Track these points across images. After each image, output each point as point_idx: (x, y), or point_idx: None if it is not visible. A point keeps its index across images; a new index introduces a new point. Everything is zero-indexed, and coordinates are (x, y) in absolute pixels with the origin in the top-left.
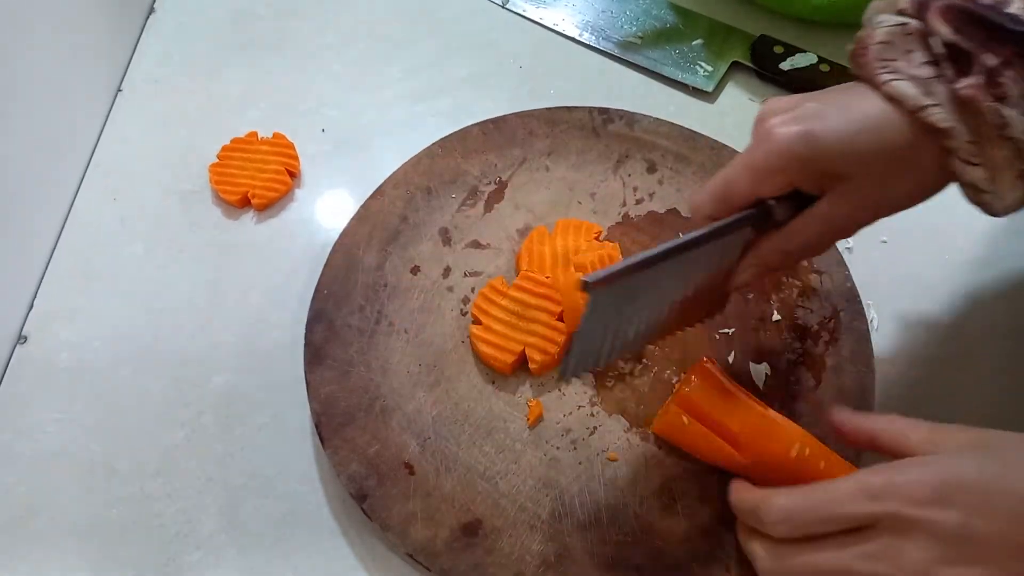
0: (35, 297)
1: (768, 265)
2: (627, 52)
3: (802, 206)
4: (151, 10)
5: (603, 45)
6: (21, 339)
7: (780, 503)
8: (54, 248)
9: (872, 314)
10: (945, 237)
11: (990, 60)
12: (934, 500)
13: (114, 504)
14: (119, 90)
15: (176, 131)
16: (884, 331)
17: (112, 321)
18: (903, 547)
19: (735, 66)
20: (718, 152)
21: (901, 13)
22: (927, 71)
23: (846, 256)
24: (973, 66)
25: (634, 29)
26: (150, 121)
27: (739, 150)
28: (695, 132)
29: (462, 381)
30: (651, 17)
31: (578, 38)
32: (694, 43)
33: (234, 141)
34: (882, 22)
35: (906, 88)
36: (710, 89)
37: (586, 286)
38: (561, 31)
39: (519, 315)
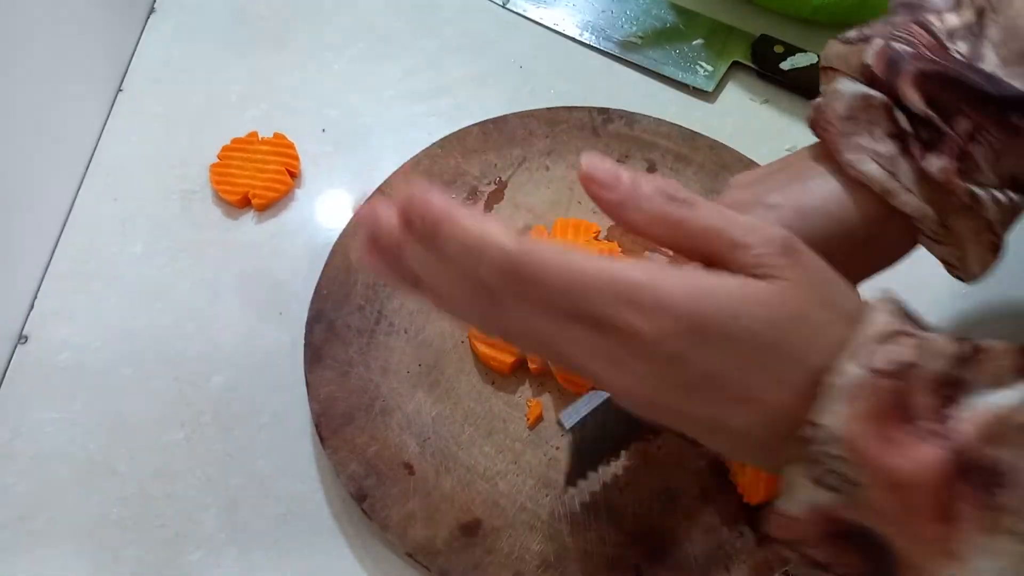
0: (35, 297)
1: None
2: (627, 52)
3: None
4: (151, 10)
5: (603, 45)
6: (21, 339)
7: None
8: (54, 248)
9: None
10: None
11: (962, 125)
12: (683, 332)
13: (114, 504)
14: (119, 90)
15: (176, 131)
16: None
17: (112, 321)
18: (629, 358)
19: (735, 66)
20: (718, 152)
21: (865, 74)
22: (890, 147)
23: None
24: (944, 142)
25: (634, 29)
26: (150, 121)
27: (739, 150)
28: (695, 132)
29: (462, 381)
30: (651, 17)
31: (578, 38)
32: (694, 43)
33: (234, 141)
34: (843, 91)
35: (873, 171)
36: (710, 89)
37: (565, 430)
38: (561, 31)
39: None
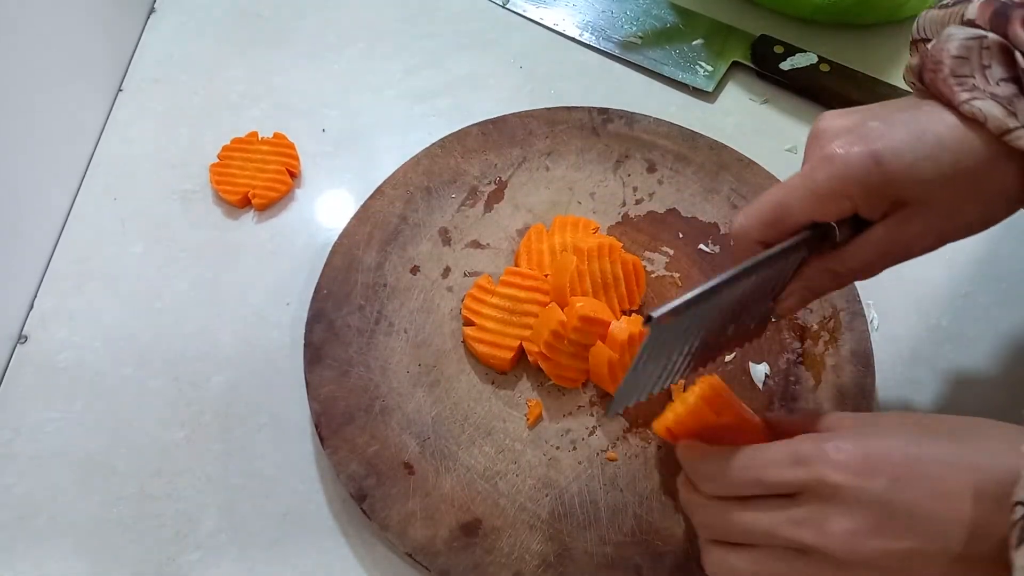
0: (35, 297)
1: (818, 289)
2: (627, 52)
3: (859, 227)
4: (152, 10)
5: (603, 45)
6: (21, 339)
7: (711, 461)
8: (54, 248)
9: (872, 314)
10: None
11: None
12: (861, 468)
13: (114, 504)
14: (119, 90)
15: (176, 131)
16: (884, 331)
17: (112, 321)
18: (829, 514)
19: (735, 66)
20: (718, 152)
21: (970, 24)
22: (1008, 89)
23: None
24: None
25: (634, 29)
26: (150, 121)
27: (739, 150)
28: (695, 132)
29: (461, 381)
30: (651, 17)
31: (578, 38)
32: (694, 43)
33: (235, 141)
34: (953, 35)
35: (990, 108)
36: (710, 89)
37: (650, 320)
38: (561, 31)
39: (511, 310)
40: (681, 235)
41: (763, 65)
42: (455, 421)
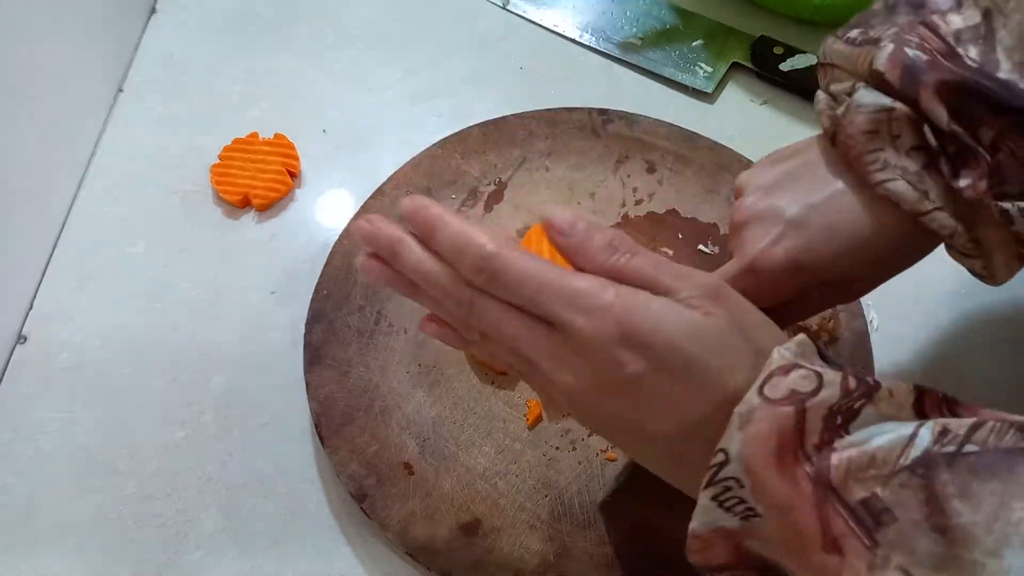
0: (35, 297)
1: None
2: (627, 53)
3: None
4: (152, 10)
5: (603, 46)
6: (21, 339)
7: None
8: (54, 248)
9: (872, 314)
10: None
11: (986, 136)
12: (625, 344)
13: (114, 504)
14: (119, 90)
15: (176, 131)
16: (884, 331)
17: (112, 321)
18: (578, 364)
19: (735, 67)
20: (717, 153)
21: (879, 82)
22: (917, 160)
23: None
24: (972, 157)
25: (634, 30)
26: (150, 121)
27: (739, 151)
28: (695, 133)
29: (461, 381)
30: (651, 18)
31: (578, 39)
32: (694, 44)
33: (235, 141)
34: (862, 105)
35: (904, 191)
36: (710, 90)
37: None
38: (561, 32)
39: None
40: (681, 236)
41: (763, 66)
42: (455, 421)
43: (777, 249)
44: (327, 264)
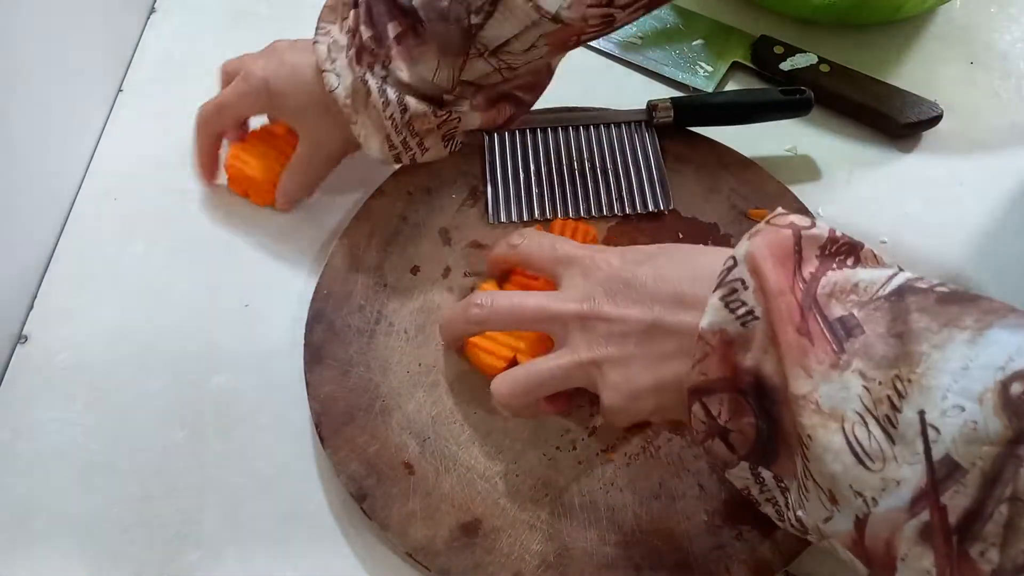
0: (35, 297)
1: None
2: (627, 52)
3: None
4: (152, 10)
5: (603, 45)
6: (21, 339)
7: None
8: (54, 248)
9: None
10: (945, 237)
11: (392, 30)
12: (611, 253)
13: (114, 504)
14: (119, 90)
15: (176, 131)
16: None
17: (112, 321)
18: (586, 288)
19: (735, 66)
20: (718, 152)
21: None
22: (345, 38)
23: None
24: (380, 41)
25: (634, 29)
26: (150, 121)
27: (739, 151)
28: (695, 132)
29: (462, 381)
30: (651, 17)
31: None
32: (694, 43)
33: (263, 129)
34: None
35: (321, 51)
36: (710, 90)
37: None
38: None
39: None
40: (681, 235)
41: (763, 66)
42: (455, 421)
43: (259, 70)
44: (327, 264)
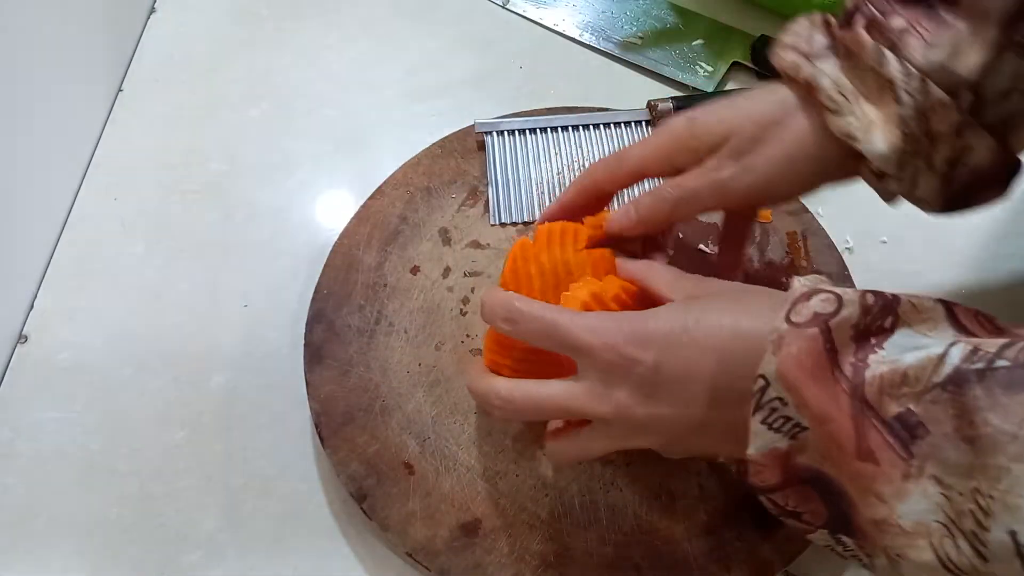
0: (35, 297)
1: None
2: (627, 52)
3: None
4: (152, 10)
5: (603, 45)
6: (21, 339)
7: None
8: (54, 248)
9: None
10: (945, 237)
11: (897, 23)
12: (632, 343)
13: (114, 504)
14: (119, 90)
15: (176, 131)
16: None
17: (112, 321)
18: (609, 385)
19: (735, 66)
20: None
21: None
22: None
23: (846, 256)
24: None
25: (634, 29)
26: (150, 121)
27: None
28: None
29: (461, 381)
30: (651, 17)
31: (578, 38)
32: (694, 43)
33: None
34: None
35: (791, 57)
36: (710, 90)
37: None
38: (561, 31)
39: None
40: (681, 235)
41: (763, 65)
42: (455, 421)
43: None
44: (327, 264)
